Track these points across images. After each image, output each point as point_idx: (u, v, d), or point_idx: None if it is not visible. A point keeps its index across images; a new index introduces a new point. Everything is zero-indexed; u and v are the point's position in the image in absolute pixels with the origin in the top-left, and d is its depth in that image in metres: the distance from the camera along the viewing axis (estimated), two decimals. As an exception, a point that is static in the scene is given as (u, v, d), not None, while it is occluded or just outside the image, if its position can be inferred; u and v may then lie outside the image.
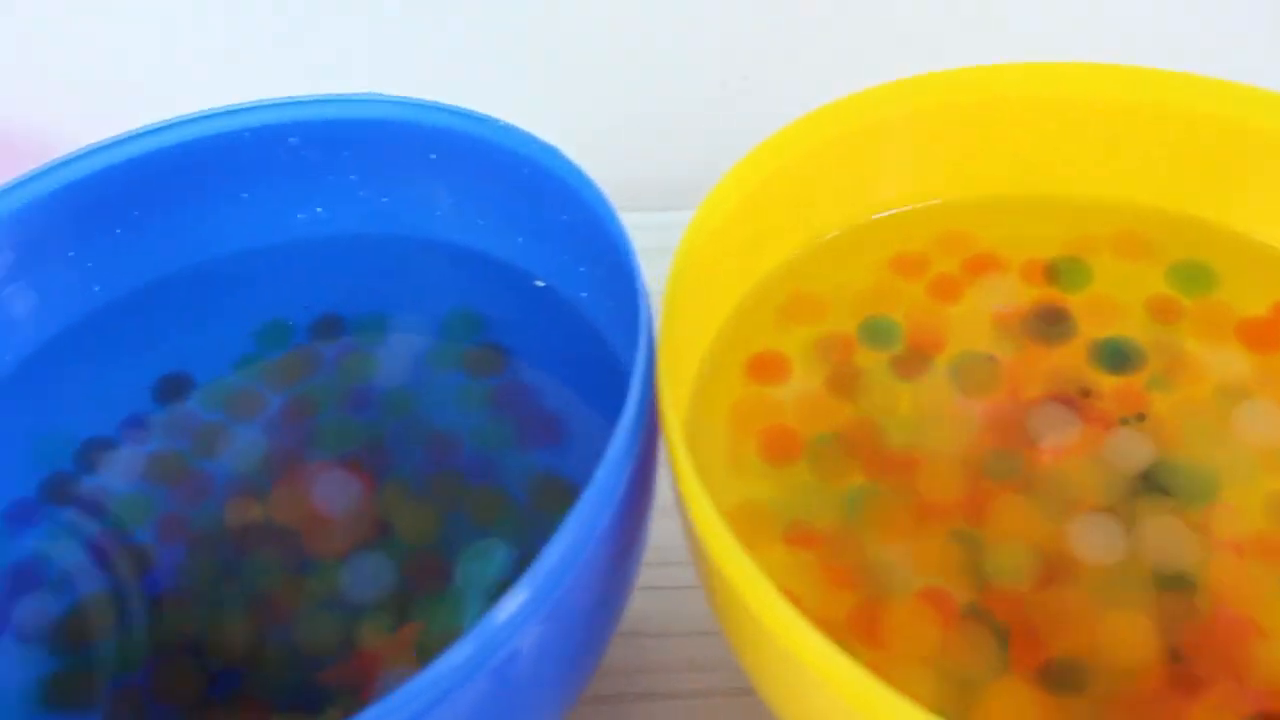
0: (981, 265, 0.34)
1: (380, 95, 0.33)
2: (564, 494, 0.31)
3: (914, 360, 0.32)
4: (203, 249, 0.36)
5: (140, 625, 0.30)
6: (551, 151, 0.31)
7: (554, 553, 0.22)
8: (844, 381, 0.32)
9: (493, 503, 0.31)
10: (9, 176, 0.32)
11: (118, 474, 0.33)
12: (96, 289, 0.35)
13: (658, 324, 0.27)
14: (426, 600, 0.30)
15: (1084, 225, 0.35)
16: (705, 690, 0.34)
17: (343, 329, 0.35)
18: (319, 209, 0.36)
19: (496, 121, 0.32)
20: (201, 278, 0.36)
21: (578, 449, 0.32)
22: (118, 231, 0.34)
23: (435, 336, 0.35)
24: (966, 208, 0.36)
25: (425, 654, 0.29)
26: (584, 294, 0.33)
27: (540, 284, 0.34)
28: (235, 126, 0.33)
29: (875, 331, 0.33)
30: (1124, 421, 0.30)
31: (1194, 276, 0.34)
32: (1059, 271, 0.34)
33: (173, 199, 0.34)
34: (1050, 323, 0.33)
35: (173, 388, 0.34)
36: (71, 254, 0.34)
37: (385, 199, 0.35)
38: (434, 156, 0.34)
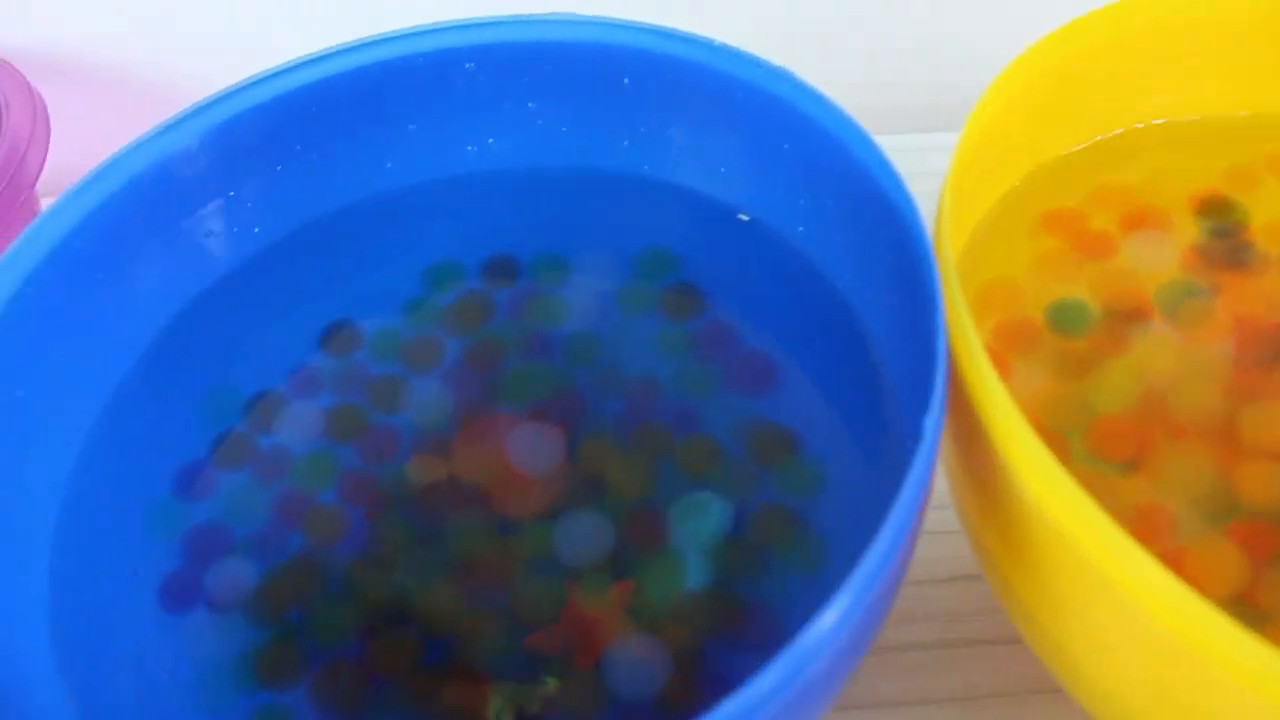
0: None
1: (568, 14, 0.30)
2: (783, 443, 0.29)
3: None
4: (364, 186, 0.33)
5: (341, 594, 0.28)
6: (778, 74, 0.28)
7: (872, 562, 0.20)
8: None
9: (704, 454, 0.29)
10: (151, 122, 0.30)
11: (293, 431, 0.30)
12: (256, 230, 0.32)
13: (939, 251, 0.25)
14: (639, 559, 0.28)
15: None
16: (967, 639, 0.33)
17: (517, 270, 0.33)
18: (490, 140, 0.33)
19: (708, 41, 0.29)
20: (363, 217, 0.33)
21: (792, 393, 0.30)
22: (277, 169, 0.31)
23: (623, 277, 0.32)
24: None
25: (640, 616, 0.27)
26: (800, 228, 0.31)
27: (744, 218, 0.32)
28: (407, 51, 0.31)
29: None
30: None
31: None
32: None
33: (335, 132, 0.32)
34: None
35: (341, 336, 0.32)
36: (231, 193, 0.31)
37: (565, 128, 0.32)
38: (627, 81, 0.31)
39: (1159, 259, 0.32)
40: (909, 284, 0.25)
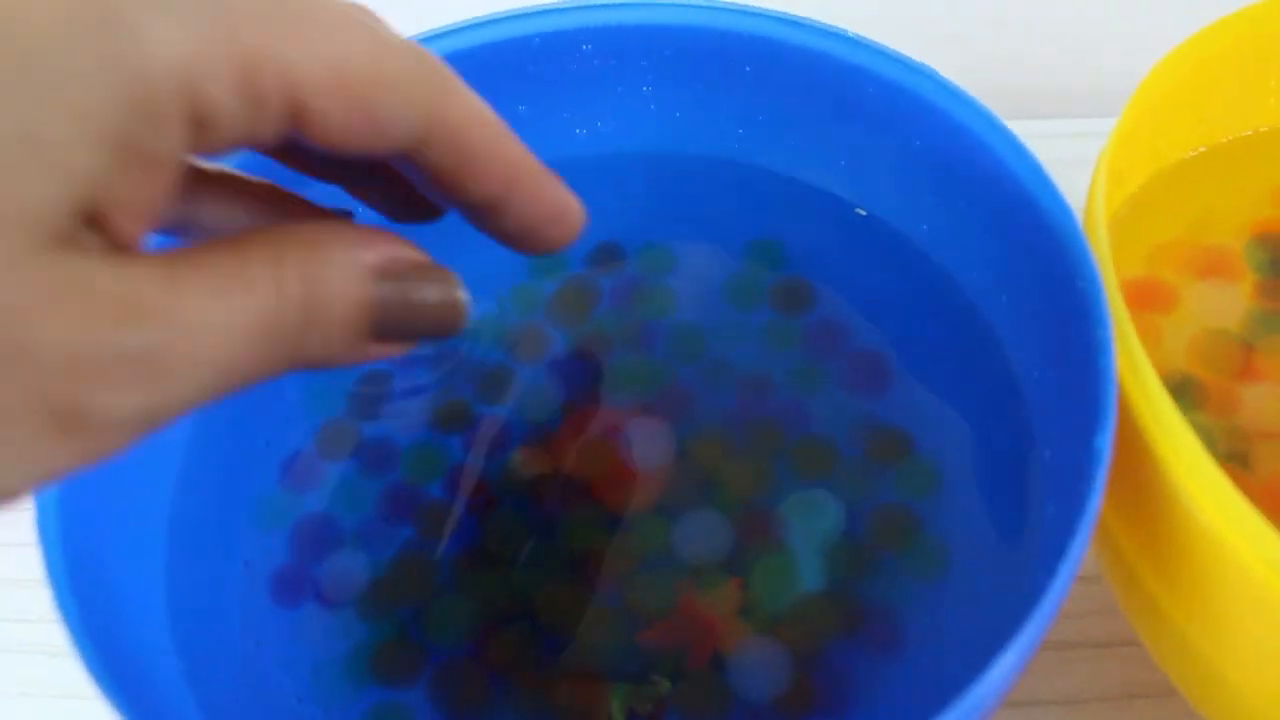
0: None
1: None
2: (897, 445, 0.29)
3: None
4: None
5: (454, 589, 0.27)
6: (912, 67, 0.28)
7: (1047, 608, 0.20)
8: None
9: (818, 454, 0.29)
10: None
11: (398, 421, 0.30)
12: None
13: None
14: (752, 558, 0.27)
15: None
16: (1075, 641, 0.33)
17: (623, 257, 0.32)
18: (600, 124, 0.32)
19: (840, 32, 0.28)
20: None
21: (905, 394, 0.29)
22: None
23: (732, 268, 0.31)
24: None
25: (753, 615, 0.26)
26: (924, 226, 0.30)
27: (862, 213, 0.31)
28: (524, 32, 0.30)
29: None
30: None
31: None
32: None
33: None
34: None
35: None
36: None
37: (679, 113, 0.32)
38: (748, 69, 0.30)
39: None
40: (1056, 289, 0.25)
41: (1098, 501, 0.20)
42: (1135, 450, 0.23)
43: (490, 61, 0.30)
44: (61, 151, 0.14)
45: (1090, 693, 0.32)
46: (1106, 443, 0.21)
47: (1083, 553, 0.20)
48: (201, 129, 0.15)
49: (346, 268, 0.17)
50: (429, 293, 0.18)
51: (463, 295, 0.19)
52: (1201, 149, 0.33)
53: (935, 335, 0.30)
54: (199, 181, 0.19)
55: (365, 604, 0.27)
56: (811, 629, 0.26)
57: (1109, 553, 0.27)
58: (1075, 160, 0.29)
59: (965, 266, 0.29)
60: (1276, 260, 0.31)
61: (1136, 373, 0.23)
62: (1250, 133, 0.33)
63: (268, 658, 0.27)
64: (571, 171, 0.32)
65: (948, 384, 0.29)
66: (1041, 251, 0.25)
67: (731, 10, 0.29)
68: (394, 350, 0.19)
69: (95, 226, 0.15)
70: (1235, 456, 0.28)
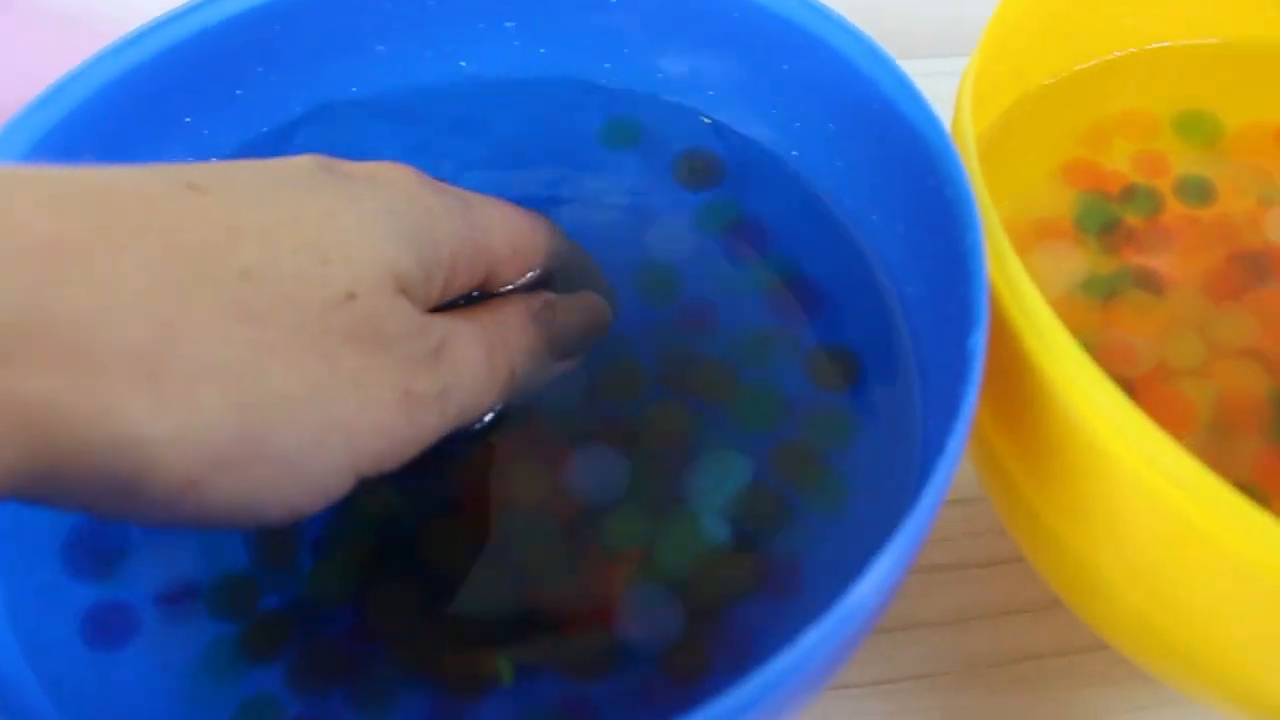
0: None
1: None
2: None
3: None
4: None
5: (329, 550, 0.26)
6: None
7: (920, 515, 0.20)
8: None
9: (720, 384, 0.28)
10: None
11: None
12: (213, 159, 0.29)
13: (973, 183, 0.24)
14: (654, 517, 0.26)
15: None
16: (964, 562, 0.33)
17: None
18: (462, 63, 0.31)
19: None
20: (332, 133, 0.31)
21: (789, 323, 0.29)
22: (238, 92, 0.29)
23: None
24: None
25: (657, 573, 0.26)
26: (795, 152, 0.30)
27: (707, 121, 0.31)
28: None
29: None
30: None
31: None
32: None
33: (300, 52, 0.29)
34: None
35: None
36: (187, 119, 0.29)
37: (543, 49, 0.31)
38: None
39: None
40: (926, 202, 0.25)
41: (973, 400, 0.20)
42: (1011, 356, 0.23)
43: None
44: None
45: (976, 610, 0.32)
46: (980, 342, 0.21)
47: (959, 452, 0.20)
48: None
49: (518, 316, 0.26)
50: (570, 313, 0.27)
51: (593, 301, 0.28)
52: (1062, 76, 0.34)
53: (818, 260, 0.29)
54: None
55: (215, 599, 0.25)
56: (711, 580, 0.26)
57: (989, 465, 0.27)
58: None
59: (837, 188, 0.29)
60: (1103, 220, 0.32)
61: (1008, 277, 0.23)
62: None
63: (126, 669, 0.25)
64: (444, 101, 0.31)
65: (829, 310, 0.29)
66: (912, 166, 0.25)
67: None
68: (573, 362, 0.27)
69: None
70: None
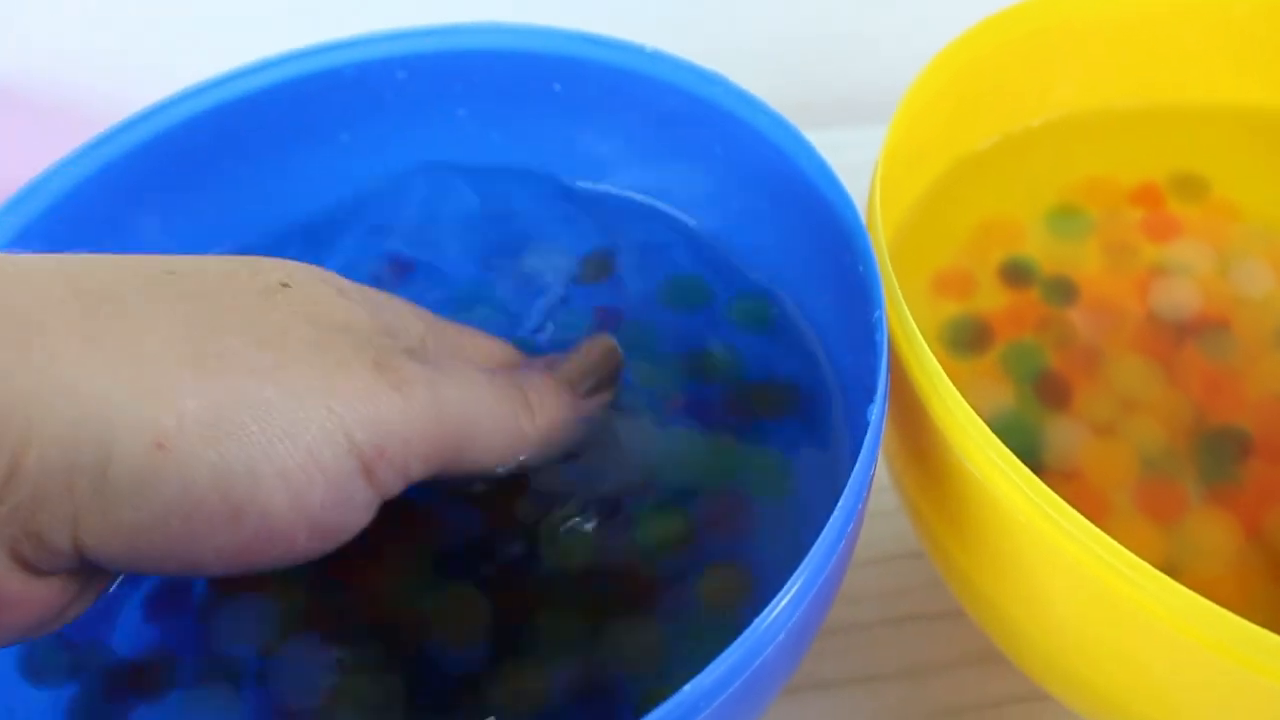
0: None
1: (496, 23, 0.30)
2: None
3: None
4: (296, 204, 0.32)
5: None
6: (710, 78, 0.29)
7: (822, 547, 0.20)
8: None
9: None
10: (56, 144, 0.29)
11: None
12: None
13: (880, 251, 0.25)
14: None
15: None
16: (910, 615, 0.34)
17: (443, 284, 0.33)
18: (422, 147, 0.33)
19: (639, 47, 0.30)
20: (294, 238, 0.32)
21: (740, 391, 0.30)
22: (207, 188, 0.31)
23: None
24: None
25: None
26: (730, 229, 0.31)
27: (685, 219, 0.32)
28: (336, 63, 0.30)
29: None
30: None
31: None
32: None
33: (269, 148, 0.31)
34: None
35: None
36: (155, 220, 0.30)
37: (495, 134, 0.33)
38: (558, 88, 0.31)
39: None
40: (846, 276, 0.26)
41: (868, 472, 0.22)
42: (919, 422, 0.24)
43: (305, 93, 0.31)
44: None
45: (934, 661, 0.33)
46: (877, 413, 0.22)
47: (850, 516, 0.21)
48: None
49: (542, 375, 0.26)
50: (591, 355, 0.27)
51: (604, 342, 0.27)
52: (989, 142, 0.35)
53: (754, 333, 0.31)
54: None
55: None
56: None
57: (920, 526, 0.28)
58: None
59: (770, 262, 0.31)
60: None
61: (912, 346, 0.24)
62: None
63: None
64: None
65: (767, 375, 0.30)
66: (829, 243, 0.26)
67: (535, 32, 0.30)
68: (606, 396, 0.27)
69: None
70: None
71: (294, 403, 0.19)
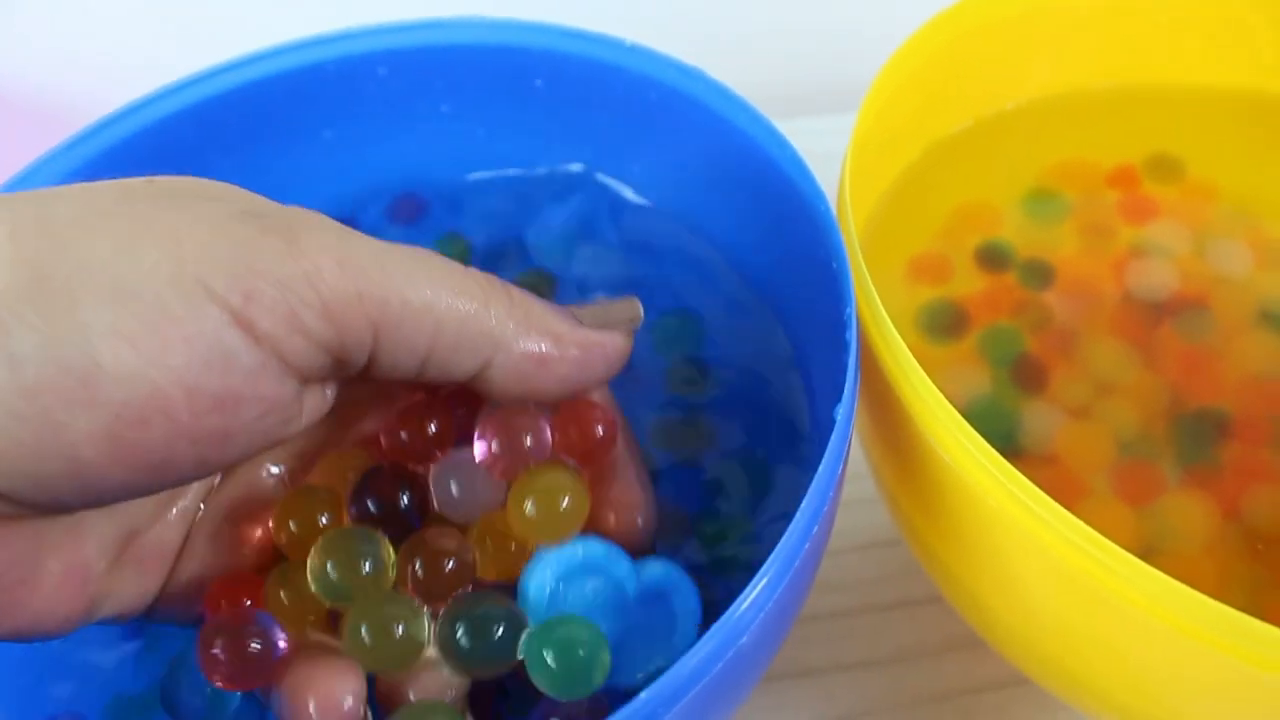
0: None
1: (477, 17, 0.31)
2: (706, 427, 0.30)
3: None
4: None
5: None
6: (689, 72, 0.29)
7: (795, 533, 0.21)
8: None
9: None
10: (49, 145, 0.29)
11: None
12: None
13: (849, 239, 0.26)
14: None
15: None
16: (888, 603, 0.34)
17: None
18: (404, 142, 0.33)
19: (618, 41, 0.30)
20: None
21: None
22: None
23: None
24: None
25: None
26: (713, 219, 0.32)
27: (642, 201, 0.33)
28: (318, 59, 0.31)
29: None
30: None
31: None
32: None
33: (252, 140, 0.31)
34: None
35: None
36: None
37: (481, 130, 0.33)
38: (539, 83, 0.31)
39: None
40: (820, 270, 0.26)
41: (836, 471, 0.22)
42: (889, 405, 0.25)
43: (287, 89, 0.31)
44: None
45: (917, 648, 0.34)
46: (845, 413, 0.23)
47: (816, 513, 0.22)
48: None
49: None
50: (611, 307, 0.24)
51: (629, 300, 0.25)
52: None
53: (733, 324, 0.31)
54: None
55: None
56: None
57: (895, 511, 0.29)
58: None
59: (749, 255, 0.31)
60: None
61: (883, 335, 0.25)
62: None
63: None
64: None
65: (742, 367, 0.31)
66: (804, 235, 0.27)
67: (516, 26, 0.30)
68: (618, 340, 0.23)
69: None
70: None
71: (130, 257, 0.17)
